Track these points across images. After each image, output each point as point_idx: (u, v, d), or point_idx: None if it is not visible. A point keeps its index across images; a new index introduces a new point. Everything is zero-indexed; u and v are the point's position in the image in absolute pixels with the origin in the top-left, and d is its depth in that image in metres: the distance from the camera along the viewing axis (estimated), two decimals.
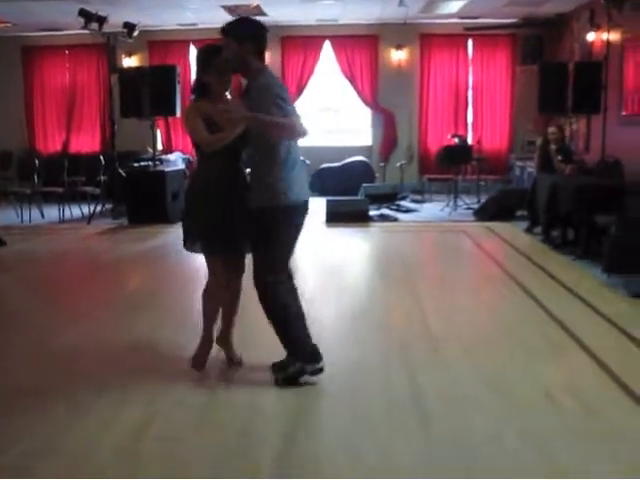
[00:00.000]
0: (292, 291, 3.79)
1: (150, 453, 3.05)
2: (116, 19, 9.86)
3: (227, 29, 3.62)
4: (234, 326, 4.09)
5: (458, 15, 11.58)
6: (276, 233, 3.64)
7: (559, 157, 8.44)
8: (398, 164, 11.77)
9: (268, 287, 3.65)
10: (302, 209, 3.78)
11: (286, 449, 3.08)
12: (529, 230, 8.41)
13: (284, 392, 3.69)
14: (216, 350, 4.09)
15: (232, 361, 4.10)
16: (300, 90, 12.68)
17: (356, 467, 2.92)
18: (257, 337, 4.35)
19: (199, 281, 4.81)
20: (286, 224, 3.68)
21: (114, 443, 3.12)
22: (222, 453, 3.05)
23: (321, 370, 3.76)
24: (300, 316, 3.79)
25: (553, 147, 8.52)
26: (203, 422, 3.37)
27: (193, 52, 12.64)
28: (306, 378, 3.74)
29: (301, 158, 3.90)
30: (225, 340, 4.09)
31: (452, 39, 12.40)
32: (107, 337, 4.70)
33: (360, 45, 12.51)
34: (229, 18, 11.33)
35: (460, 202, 10.52)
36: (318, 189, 11.81)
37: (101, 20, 9.56)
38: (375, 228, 9.25)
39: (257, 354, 4.18)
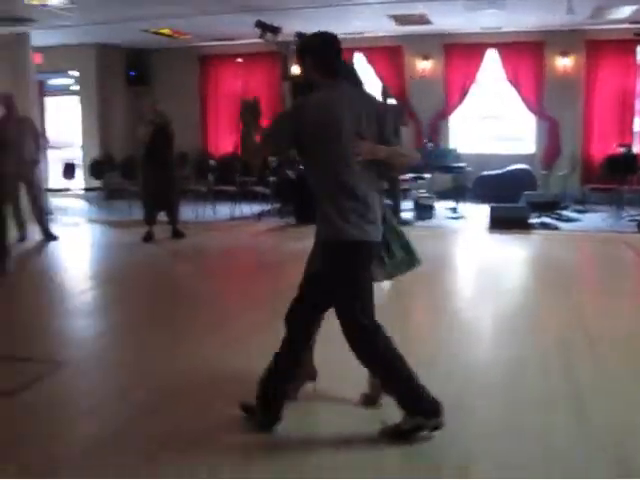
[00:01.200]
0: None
1: None
2: (287, 29, 10.42)
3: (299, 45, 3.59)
4: None
5: (628, 20, 11.26)
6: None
7: None
8: (561, 173, 11.60)
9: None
10: None
11: (442, 434, 3.24)
12: None
13: (445, 386, 3.83)
14: None
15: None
16: (462, 97, 12.78)
17: (516, 451, 3.10)
18: None
19: None
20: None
21: None
22: None
23: (440, 426, 3.19)
24: (406, 365, 3.28)
25: None
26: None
27: (359, 60, 13.07)
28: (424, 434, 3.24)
29: None
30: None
31: (620, 45, 12.01)
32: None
33: (525, 52, 12.40)
34: (395, 27, 11.75)
35: (624, 213, 10.24)
36: (479, 196, 11.90)
37: (276, 31, 10.15)
38: (536, 235, 9.23)
39: None
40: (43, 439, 3.31)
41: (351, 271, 3.19)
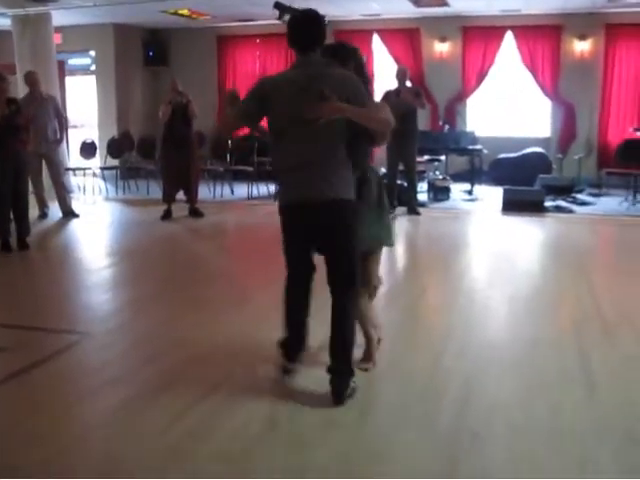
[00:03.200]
0: None
1: None
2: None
3: None
4: None
5: None
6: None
7: None
8: (576, 157, 11.61)
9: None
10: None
11: (462, 408, 3.40)
12: None
13: (457, 363, 4.01)
14: None
15: None
16: (480, 80, 12.79)
17: (529, 424, 3.21)
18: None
19: None
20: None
21: None
22: (406, 400, 3.45)
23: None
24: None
25: None
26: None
27: (376, 42, 13.11)
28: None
29: None
30: None
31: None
32: None
33: (542, 35, 12.37)
34: (413, 9, 11.76)
35: None
36: (494, 179, 11.95)
37: (294, 12, 10.17)
38: (550, 218, 9.28)
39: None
40: (67, 406, 3.45)
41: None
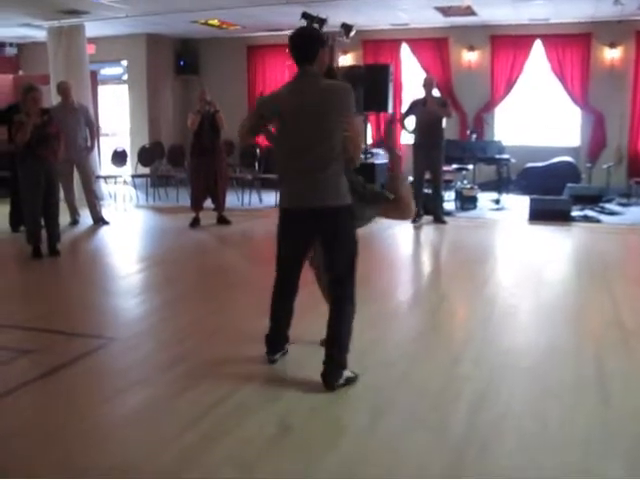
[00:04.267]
0: None
1: None
2: (334, 20, 10.55)
3: None
4: None
5: None
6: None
7: None
8: (605, 166, 11.53)
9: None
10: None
11: (475, 414, 3.44)
12: None
13: (475, 368, 4.05)
14: None
15: None
16: (508, 89, 12.78)
17: (541, 433, 3.21)
18: None
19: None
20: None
21: None
22: (419, 405, 3.50)
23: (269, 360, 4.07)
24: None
25: None
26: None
27: (405, 51, 13.17)
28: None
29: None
30: None
31: None
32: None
33: (572, 44, 12.33)
34: (441, 18, 11.80)
35: None
36: (523, 188, 11.92)
37: (322, 22, 10.27)
38: (577, 228, 9.24)
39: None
40: (88, 408, 3.55)
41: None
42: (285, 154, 3.74)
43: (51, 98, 10.44)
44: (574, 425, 3.29)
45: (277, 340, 4.08)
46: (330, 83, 3.72)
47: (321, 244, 3.81)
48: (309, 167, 3.62)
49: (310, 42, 3.69)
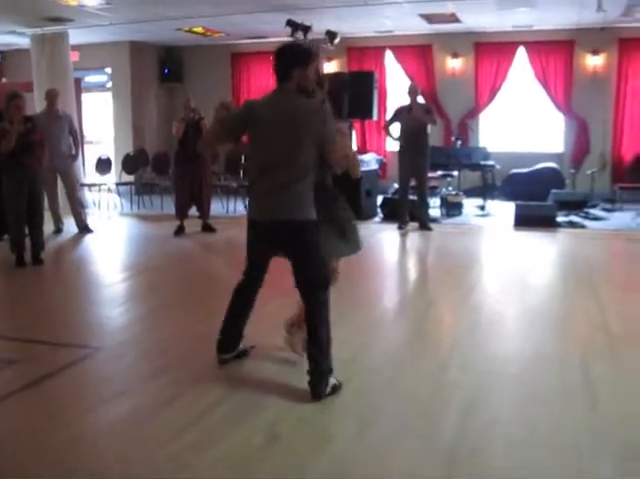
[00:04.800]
0: None
1: None
2: (318, 27, 10.56)
3: None
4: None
5: None
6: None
7: None
8: (589, 172, 11.59)
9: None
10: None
11: (464, 421, 3.43)
12: None
13: (462, 375, 4.04)
14: None
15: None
16: (492, 95, 12.84)
17: (529, 439, 3.21)
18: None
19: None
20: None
21: None
22: (407, 413, 3.48)
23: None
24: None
25: None
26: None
27: (389, 58, 13.21)
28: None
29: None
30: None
31: None
32: None
33: (555, 50, 12.40)
34: (425, 25, 11.84)
35: None
36: (507, 194, 11.96)
37: (306, 29, 10.28)
38: (561, 234, 9.27)
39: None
40: (74, 417, 3.50)
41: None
42: (256, 167, 3.77)
43: (34, 105, 10.38)
44: (563, 431, 3.29)
45: (231, 336, 4.15)
46: (305, 102, 3.69)
47: (287, 255, 3.83)
48: (278, 182, 3.64)
49: (284, 62, 3.70)
